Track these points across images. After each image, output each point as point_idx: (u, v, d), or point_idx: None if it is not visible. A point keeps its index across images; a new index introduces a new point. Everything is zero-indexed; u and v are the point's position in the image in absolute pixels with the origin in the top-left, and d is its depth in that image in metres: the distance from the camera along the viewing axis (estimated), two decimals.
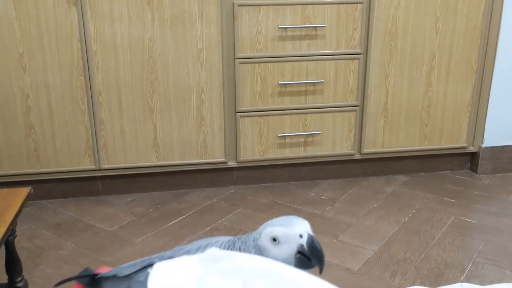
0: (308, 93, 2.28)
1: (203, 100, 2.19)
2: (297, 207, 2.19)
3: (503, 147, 2.54)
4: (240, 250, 0.85)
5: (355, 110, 2.35)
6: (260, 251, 0.82)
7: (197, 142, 2.25)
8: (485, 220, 2.07)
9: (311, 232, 0.81)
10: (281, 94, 2.25)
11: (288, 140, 2.33)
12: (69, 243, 1.90)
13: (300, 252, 0.80)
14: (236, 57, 2.16)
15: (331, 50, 2.23)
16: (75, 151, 2.17)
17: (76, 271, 1.70)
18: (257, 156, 2.33)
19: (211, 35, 2.11)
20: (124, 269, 0.94)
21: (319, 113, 2.32)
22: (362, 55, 2.26)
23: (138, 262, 0.94)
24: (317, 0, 2.15)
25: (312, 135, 2.34)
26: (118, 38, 2.06)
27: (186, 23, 2.09)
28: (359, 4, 2.19)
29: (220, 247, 0.88)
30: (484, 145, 2.52)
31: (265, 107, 2.26)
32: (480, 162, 2.53)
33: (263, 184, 2.44)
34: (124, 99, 2.14)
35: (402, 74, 2.33)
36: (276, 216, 0.89)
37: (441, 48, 2.31)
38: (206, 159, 2.28)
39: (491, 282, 1.61)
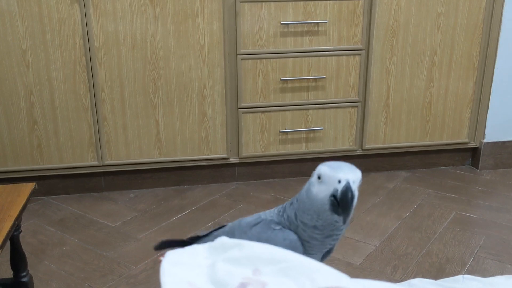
0: (310, 89, 2.28)
1: (205, 96, 2.20)
2: None
3: (504, 142, 2.55)
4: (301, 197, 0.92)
5: (356, 106, 2.35)
6: (308, 186, 0.88)
7: (199, 138, 2.25)
8: (486, 215, 2.08)
9: (353, 183, 0.83)
10: (282, 90, 2.26)
11: (289, 136, 2.34)
12: (72, 239, 1.91)
13: (334, 196, 0.83)
14: (238, 53, 2.17)
15: (332, 46, 2.24)
16: (78, 147, 2.18)
17: (80, 267, 1.72)
18: (259, 152, 2.33)
19: (213, 31, 2.12)
20: (207, 234, 1.14)
21: (321, 109, 2.33)
22: (363, 51, 2.27)
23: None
24: None
25: (313, 131, 2.35)
26: (121, 35, 2.07)
27: (188, 20, 2.09)
28: (360, 0, 2.20)
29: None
30: (485, 140, 2.52)
31: (267, 103, 2.26)
32: (481, 157, 2.54)
33: (265, 180, 2.45)
34: (126, 95, 2.15)
35: (403, 70, 2.33)
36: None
37: (443, 44, 2.32)
38: (208, 155, 2.29)
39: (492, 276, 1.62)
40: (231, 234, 1.01)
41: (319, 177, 0.85)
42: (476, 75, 2.39)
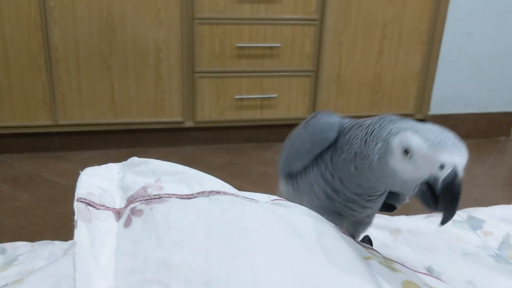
0: (265, 56, 2.34)
1: (161, 59, 2.22)
2: (252, 167, 2.28)
3: (448, 115, 2.69)
4: (368, 138, 0.68)
5: (310, 76, 2.43)
6: (385, 151, 0.64)
7: (154, 101, 2.28)
8: None
9: (460, 168, 0.59)
10: (239, 56, 2.31)
11: (245, 103, 2.40)
12: (25, 195, 1.93)
13: (428, 185, 0.61)
14: (194, 17, 2.19)
15: (288, 15, 2.29)
16: (32, 107, 2.17)
17: (33, 222, 1.75)
18: (214, 117, 2.39)
19: None
20: None
21: (276, 77, 2.39)
22: (318, 22, 2.33)
23: None
24: None
25: (268, 98, 2.42)
26: None
27: None
28: None
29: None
30: (430, 112, 2.66)
31: (223, 69, 2.31)
32: None
33: (220, 145, 2.51)
34: (81, 55, 2.14)
35: (355, 42, 2.41)
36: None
37: (393, 18, 2.41)
38: (163, 118, 2.33)
39: None
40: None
41: (406, 151, 0.61)
42: (424, 50, 2.50)
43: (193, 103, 2.34)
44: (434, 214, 1.01)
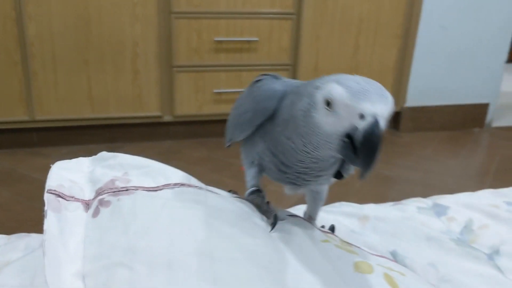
0: (243, 50, 2.36)
1: (138, 53, 2.22)
2: (231, 161, 2.30)
3: (422, 107, 2.74)
4: (294, 99, 0.64)
5: (288, 69, 2.45)
6: (309, 106, 0.60)
7: (132, 96, 2.29)
8: (401, 173, 2.27)
9: (381, 117, 0.55)
10: (217, 50, 2.32)
11: (224, 97, 2.42)
12: (4, 192, 1.92)
13: (349, 137, 0.57)
14: (171, 11, 2.20)
15: (265, 9, 2.31)
16: (8, 102, 2.16)
17: (12, 218, 1.74)
18: (193, 111, 2.40)
19: None
20: None
21: (254, 70, 2.41)
22: (295, 16, 2.35)
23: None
24: None
25: None
26: None
27: None
28: None
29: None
30: (406, 105, 2.71)
31: (201, 63, 2.32)
32: (401, 121, 2.72)
33: (199, 139, 2.52)
34: (58, 50, 2.14)
35: (332, 36, 2.44)
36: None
37: (369, 12, 2.44)
38: (141, 113, 2.33)
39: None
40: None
41: (328, 103, 0.57)
42: (399, 44, 2.55)
43: (171, 97, 2.34)
44: (394, 201, 1.04)
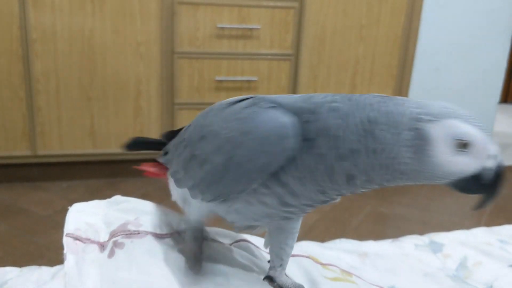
0: (243, 89, 2.42)
1: (141, 91, 2.28)
2: None
3: None
4: (370, 128, 0.57)
5: None
6: (420, 142, 0.55)
7: (134, 132, 2.33)
8: (398, 210, 2.29)
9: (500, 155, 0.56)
10: (217, 89, 2.38)
11: None
12: (2, 225, 1.93)
13: (475, 177, 0.56)
14: (174, 51, 2.27)
15: (264, 50, 2.38)
16: (11, 137, 2.20)
17: (9, 251, 1.75)
18: None
19: (150, 29, 2.21)
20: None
21: None
22: (293, 57, 2.43)
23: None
24: (253, 3, 2.30)
25: None
26: (59, 27, 2.11)
27: (126, 16, 2.17)
28: (291, 9, 2.36)
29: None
30: None
31: (202, 101, 2.37)
32: None
33: None
34: (62, 87, 2.19)
35: (329, 76, 2.52)
36: None
37: (365, 53, 2.52)
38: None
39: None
40: (203, 118, 0.69)
41: (462, 143, 0.55)
42: (394, 85, 2.62)
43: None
44: (399, 238, 1.06)
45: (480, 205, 0.58)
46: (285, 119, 0.58)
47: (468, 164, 0.55)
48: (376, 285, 0.73)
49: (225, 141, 0.60)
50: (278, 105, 0.60)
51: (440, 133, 0.54)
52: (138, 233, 0.72)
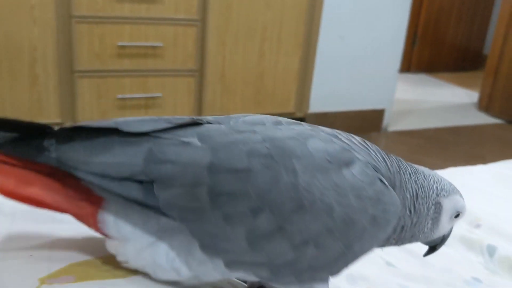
0: (148, 56, 2.34)
1: (36, 58, 2.13)
2: None
3: (325, 113, 2.88)
4: (412, 194, 0.62)
5: (194, 75, 2.47)
6: (438, 214, 0.64)
7: (30, 102, 2.19)
8: None
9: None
10: (120, 56, 2.28)
11: (128, 102, 2.38)
12: None
13: (443, 237, 0.70)
14: (72, 15, 2.13)
15: (169, 15, 2.31)
16: None
17: None
18: (95, 118, 2.34)
19: None
20: (134, 123, 0.54)
21: (160, 76, 2.40)
22: (199, 22, 2.38)
23: (158, 119, 0.55)
24: None
25: (153, 97, 2.42)
26: None
27: None
28: None
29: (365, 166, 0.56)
30: (309, 111, 2.83)
31: (104, 68, 2.27)
32: None
33: None
34: None
35: (237, 43, 2.50)
36: None
37: (272, 20, 2.53)
38: (40, 119, 2.23)
39: None
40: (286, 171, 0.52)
41: (457, 215, 0.67)
42: (301, 52, 2.66)
43: (72, 103, 2.27)
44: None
45: (429, 253, 0.72)
46: (398, 202, 0.58)
47: (447, 228, 0.67)
48: None
49: (346, 224, 0.52)
50: (381, 175, 0.57)
51: (448, 206, 0.65)
52: None
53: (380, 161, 0.58)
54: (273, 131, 0.55)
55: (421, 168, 0.66)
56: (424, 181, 0.63)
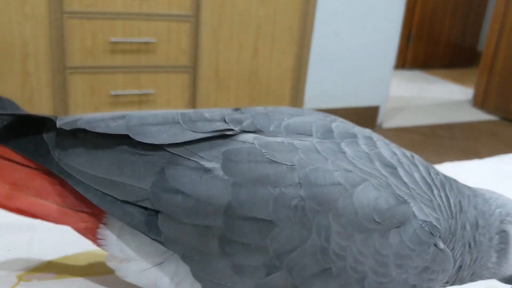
0: (141, 52, 2.32)
1: (28, 54, 2.12)
2: None
3: (320, 110, 2.86)
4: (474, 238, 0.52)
5: (188, 72, 2.46)
6: (505, 244, 0.53)
7: (22, 98, 2.17)
8: None
9: None
10: (113, 52, 2.27)
11: (121, 99, 2.37)
12: None
13: None
14: (64, 11, 2.11)
15: (163, 11, 2.29)
16: None
17: None
18: None
19: None
20: (150, 128, 0.46)
21: (153, 72, 2.38)
22: (193, 18, 2.37)
23: (183, 121, 0.48)
24: None
25: (146, 94, 2.40)
26: None
27: None
28: None
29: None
30: (304, 107, 2.82)
31: (97, 64, 2.26)
32: None
33: None
34: None
35: (231, 39, 2.49)
36: None
37: (266, 17, 2.51)
38: None
39: None
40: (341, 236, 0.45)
41: None
42: (296, 49, 2.65)
43: (65, 100, 2.25)
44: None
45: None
46: (451, 264, 0.49)
47: None
48: None
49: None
50: (439, 235, 0.47)
51: None
52: None
53: (442, 208, 0.49)
54: (317, 162, 0.45)
55: (480, 190, 0.56)
56: (484, 206, 0.53)
